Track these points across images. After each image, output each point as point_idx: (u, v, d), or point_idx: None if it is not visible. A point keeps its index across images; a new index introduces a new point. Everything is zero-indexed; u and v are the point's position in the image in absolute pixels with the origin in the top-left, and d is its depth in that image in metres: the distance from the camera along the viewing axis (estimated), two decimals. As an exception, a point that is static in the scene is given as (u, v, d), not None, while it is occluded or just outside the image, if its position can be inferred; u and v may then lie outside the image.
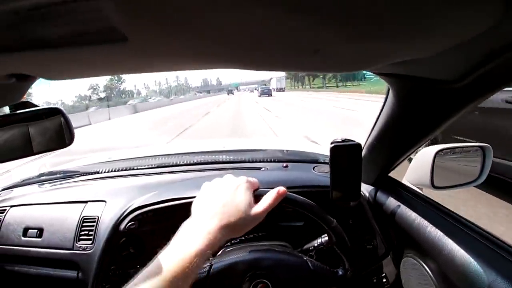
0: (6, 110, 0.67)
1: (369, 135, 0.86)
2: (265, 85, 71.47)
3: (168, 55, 0.39)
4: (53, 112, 0.70)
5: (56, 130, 0.70)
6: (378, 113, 0.78)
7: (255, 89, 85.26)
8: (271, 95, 35.21)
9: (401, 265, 0.87)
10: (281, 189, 0.63)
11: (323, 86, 51.08)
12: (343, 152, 0.76)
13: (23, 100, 0.67)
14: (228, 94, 69.41)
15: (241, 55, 0.40)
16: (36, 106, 0.69)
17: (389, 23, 0.32)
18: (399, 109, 0.69)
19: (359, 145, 0.76)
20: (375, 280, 0.95)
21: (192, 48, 0.36)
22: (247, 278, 0.68)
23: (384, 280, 0.94)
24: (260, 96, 34.89)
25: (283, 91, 37.50)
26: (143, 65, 0.45)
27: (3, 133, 0.69)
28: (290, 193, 0.71)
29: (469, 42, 0.39)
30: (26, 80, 0.47)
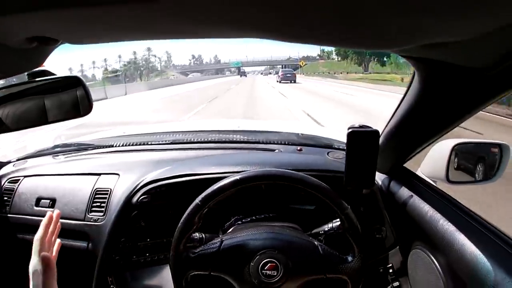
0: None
1: (388, 122, 0.84)
2: (286, 67, 56.40)
3: (201, 19, 0.37)
4: (73, 82, 0.70)
5: (73, 100, 0.70)
6: (400, 100, 0.76)
7: (269, 72, 73.19)
8: (294, 81, 25.80)
9: (409, 256, 0.86)
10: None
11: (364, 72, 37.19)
12: (360, 138, 0.75)
13: (41, 68, 0.67)
14: (240, 76, 59.61)
15: (279, 23, 0.38)
16: (54, 74, 0.68)
17: None
18: (424, 96, 0.67)
19: (376, 132, 0.75)
20: (381, 270, 0.95)
21: (228, 12, 0.34)
22: (257, 257, 0.68)
23: (391, 270, 0.94)
24: (280, 81, 25.57)
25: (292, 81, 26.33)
26: (172, 29, 0.43)
27: (20, 102, 0.70)
28: (307, 175, 0.70)
29: (503, 28, 0.37)
30: (48, 44, 0.45)
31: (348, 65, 45.65)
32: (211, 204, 0.69)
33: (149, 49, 64.71)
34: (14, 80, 0.72)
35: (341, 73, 39.86)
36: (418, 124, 0.76)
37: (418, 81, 0.65)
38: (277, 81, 26.64)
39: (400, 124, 0.80)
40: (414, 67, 0.61)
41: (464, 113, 0.63)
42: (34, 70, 0.66)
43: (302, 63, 58.26)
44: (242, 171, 0.75)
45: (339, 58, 51.59)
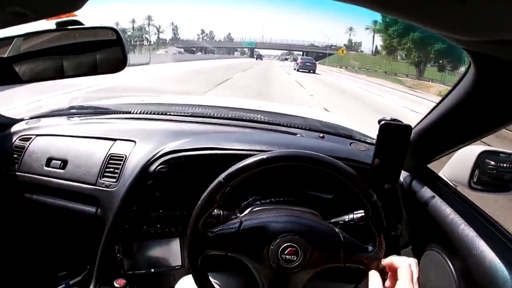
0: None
1: (423, 119, 0.82)
2: (305, 54, 52.63)
3: None
4: (108, 35, 0.67)
5: (110, 55, 0.67)
6: (443, 97, 0.74)
7: (285, 58, 66.50)
8: (314, 71, 23.01)
9: (422, 257, 0.85)
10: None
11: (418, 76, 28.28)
12: (392, 131, 0.74)
13: (72, 17, 0.65)
14: (256, 59, 54.05)
15: None
16: (84, 24, 0.66)
17: None
18: (472, 95, 0.64)
19: (409, 126, 0.74)
20: None
21: None
22: (277, 240, 0.66)
23: None
24: (298, 69, 22.88)
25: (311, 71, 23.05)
26: None
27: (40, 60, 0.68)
28: (336, 160, 0.68)
29: None
30: None
31: (387, 61, 35.24)
32: (235, 182, 0.67)
33: (149, 18, 57.26)
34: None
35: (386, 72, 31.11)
36: (457, 125, 0.74)
37: (471, 79, 0.62)
38: (295, 69, 24.18)
39: (437, 122, 0.77)
40: (473, 62, 0.58)
41: (508, 119, 0.61)
42: (65, 19, 0.64)
43: (343, 51, 41.61)
44: (266, 151, 0.72)
45: (384, 52, 38.00)
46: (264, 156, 0.67)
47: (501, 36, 0.41)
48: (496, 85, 0.58)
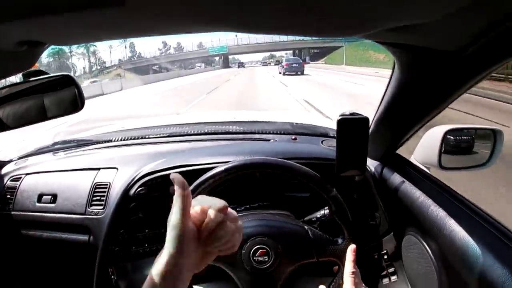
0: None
1: (377, 110, 0.85)
2: (296, 54, 47.29)
3: (166, 17, 0.40)
4: (65, 80, 0.72)
5: (68, 97, 0.72)
6: (385, 87, 0.77)
7: (266, 63, 60.71)
8: (302, 73, 20.93)
9: (402, 242, 0.88)
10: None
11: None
12: (350, 125, 0.76)
13: (35, 68, 0.69)
14: (238, 67, 50.44)
15: (232, 14, 0.40)
16: (48, 74, 0.70)
17: None
18: (405, 81, 0.68)
19: (366, 119, 0.76)
20: (376, 256, 0.97)
21: (185, 8, 0.37)
22: (248, 244, 0.70)
23: (385, 256, 0.96)
24: (284, 73, 21.14)
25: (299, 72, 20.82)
26: (142, 28, 0.46)
27: (18, 102, 0.72)
28: (289, 162, 0.72)
29: (469, 8, 0.38)
30: (37, 47, 0.49)
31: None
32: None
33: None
34: (10, 81, 0.75)
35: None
36: (404, 110, 0.77)
37: (398, 66, 0.66)
38: (280, 73, 22.36)
39: (388, 110, 0.81)
40: (391, 52, 0.62)
41: (445, 96, 0.64)
42: (29, 70, 0.68)
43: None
44: (234, 160, 0.76)
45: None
46: (223, 168, 0.71)
47: (390, 25, 0.45)
48: (419, 69, 0.62)
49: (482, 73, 0.54)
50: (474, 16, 0.42)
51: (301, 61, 24.11)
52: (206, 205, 0.45)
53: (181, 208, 0.43)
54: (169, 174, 0.95)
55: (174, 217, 0.44)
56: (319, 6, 0.37)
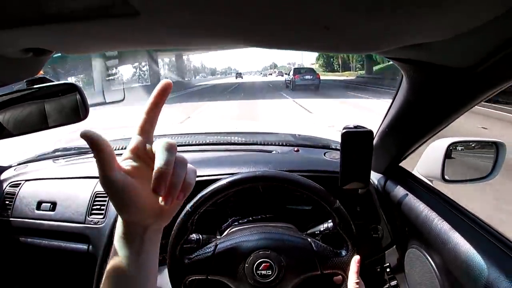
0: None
1: (382, 123, 0.85)
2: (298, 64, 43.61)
3: (179, 30, 0.40)
4: (69, 88, 0.72)
5: (71, 105, 0.71)
6: (391, 100, 0.77)
7: (272, 73, 57.95)
8: (317, 88, 16.57)
9: (405, 255, 0.87)
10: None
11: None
12: (355, 138, 0.76)
13: (39, 75, 0.69)
14: (236, 78, 46.95)
15: (249, 30, 0.40)
16: (52, 81, 0.70)
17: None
18: (412, 96, 0.68)
19: (370, 132, 0.76)
20: (378, 269, 0.95)
21: (202, 22, 0.36)
22: (251, 257, 0.69)
23: (388, 269, 0.94)
24: (294, 88, 16.80)
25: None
26: (155, 40, 0.45)
27: (20, 108, 0.71)
28: (293, 174, 0.71)
29: (483, 27, 0.38)
30: (42, 55, 0.48)
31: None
32: (202, 210, 0.70)
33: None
34: (14, 88, 0.75)
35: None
36: (410, 124, 0.77)
37: (406, 81, 0.66)
38: (287, 87, 18.14)
39: (393, 124, 0.81)
40: (400, 67, 0.62)
41: (453, 112, 0.64)
42: (33, 77, 0.68)
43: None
44: (238, 173, 0.76)
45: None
46: (225, 182, 0.70)
47: (405, 43, 0.45)
48: (427, 85, 0.62)
49: (491, 90, 0.54)
50: (487, 35, 0.42)
51: (316, 72, 19.00)
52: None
53: (101, 164, 0.36)
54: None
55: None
56: (336, 26, 0.37)
